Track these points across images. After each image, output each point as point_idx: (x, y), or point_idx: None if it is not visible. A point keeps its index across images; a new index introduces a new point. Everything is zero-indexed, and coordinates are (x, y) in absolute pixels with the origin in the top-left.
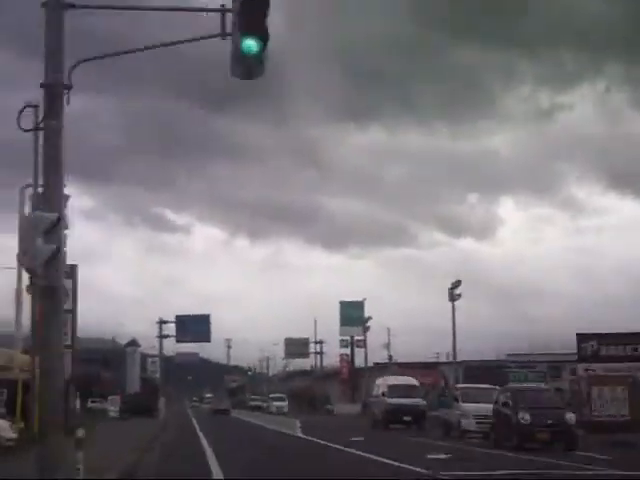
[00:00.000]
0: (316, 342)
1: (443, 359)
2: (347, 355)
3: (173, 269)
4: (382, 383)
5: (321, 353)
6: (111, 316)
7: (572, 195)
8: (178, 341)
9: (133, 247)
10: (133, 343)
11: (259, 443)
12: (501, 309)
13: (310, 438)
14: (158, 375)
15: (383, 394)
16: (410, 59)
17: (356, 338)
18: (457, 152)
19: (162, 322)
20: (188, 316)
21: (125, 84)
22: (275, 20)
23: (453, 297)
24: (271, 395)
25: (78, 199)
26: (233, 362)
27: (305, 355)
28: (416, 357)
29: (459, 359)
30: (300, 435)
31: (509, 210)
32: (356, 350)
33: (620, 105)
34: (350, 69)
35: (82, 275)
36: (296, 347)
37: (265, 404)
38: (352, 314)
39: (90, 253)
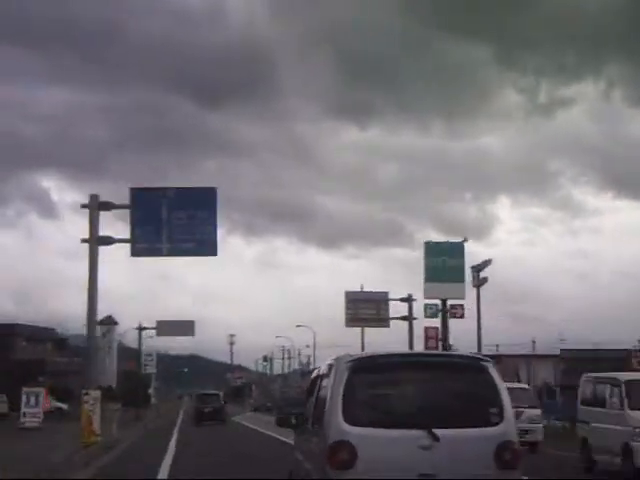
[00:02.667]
0: (403, 300)
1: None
2: (434, 329)
3: (168, 266)
4: None
5: (410, 318)
6: (105, 313)
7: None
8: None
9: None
10: (109, 321)
11: None
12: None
13: None
14: (154, 370)
15: None
16: (402, 52)
17: (452, 302)
18: (453, 150)
19: (141, 329)
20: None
21: (114, 77)
22: (259, 11)
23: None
24: None
25: (68, 193)
26: (236, 361)
27: (383, 322)
28: None
29: None
30: None
31: (506, 210)
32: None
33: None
34: (342, 63)
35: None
36: (365, 308)
37: None
38: (446, 263)
39: (82, 248)
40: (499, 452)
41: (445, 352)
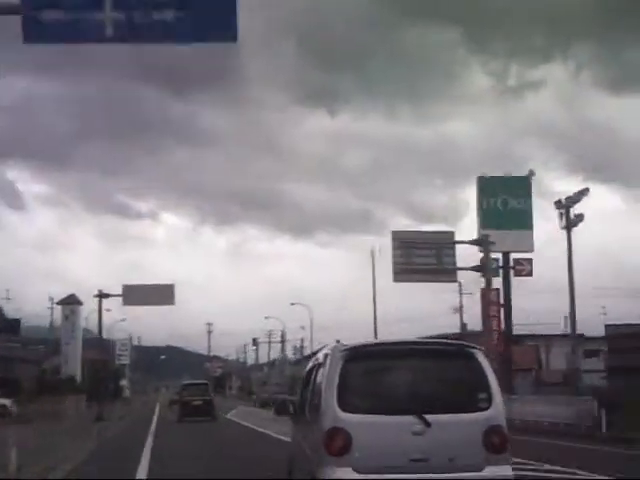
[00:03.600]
0: (474, 242)
1: None
2: (495, 291)
3: (139, 257)
4: None
5: (487, 269)
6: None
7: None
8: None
9: (94, 234)
10: (72, 300)
11: None
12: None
13: None
14: (128, 360)
15: None
16: (369, 37)
17: (515, 256)
18: (422, 135)
19: (102, 296)
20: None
21: (77, 66)
22: None
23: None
24: None
25: (34, 185)
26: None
27: (448, 274)
28: None
29: None
30: None
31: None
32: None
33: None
34: (309, 49)
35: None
36: (422, 256)
37: None
38: (507, 204)
39: (49, 239)
40: (488, 436)
41: (436, 340)
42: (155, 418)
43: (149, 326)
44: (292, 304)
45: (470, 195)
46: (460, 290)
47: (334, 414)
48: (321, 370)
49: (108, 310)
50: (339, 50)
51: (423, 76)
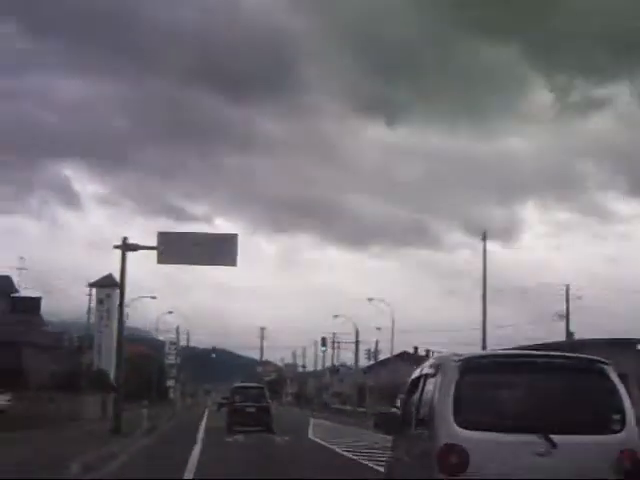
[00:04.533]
0: None
1: None
2: None
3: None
4: None
5: None
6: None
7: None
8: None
9: (147, 235)
10: (109, 282)
11: None
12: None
13: None
14: (176, 360)
15: None
16: (431, 50)
17: None
18: (481, 151)
19: (128, 248)
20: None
21: (137, 68)
22: (282, 3)
23: None
24: None
25: (90, 184)
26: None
27: None
28: None
29: None
30: None
31: (533, 213)
32: None
33: None
34: (370, 60)
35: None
36: None
37: None
38: None
39: (101, 238)
40: (620, 462)
41: (562, 353)
42: (201, 431)
43: (196, 327)
44: (370, 299)
45: (528, 213)
46: (567, 295)
47: (449, 430)
48: (431, 381)
49: (153, 297)
50: (399, 61)
51: (483, 90)
